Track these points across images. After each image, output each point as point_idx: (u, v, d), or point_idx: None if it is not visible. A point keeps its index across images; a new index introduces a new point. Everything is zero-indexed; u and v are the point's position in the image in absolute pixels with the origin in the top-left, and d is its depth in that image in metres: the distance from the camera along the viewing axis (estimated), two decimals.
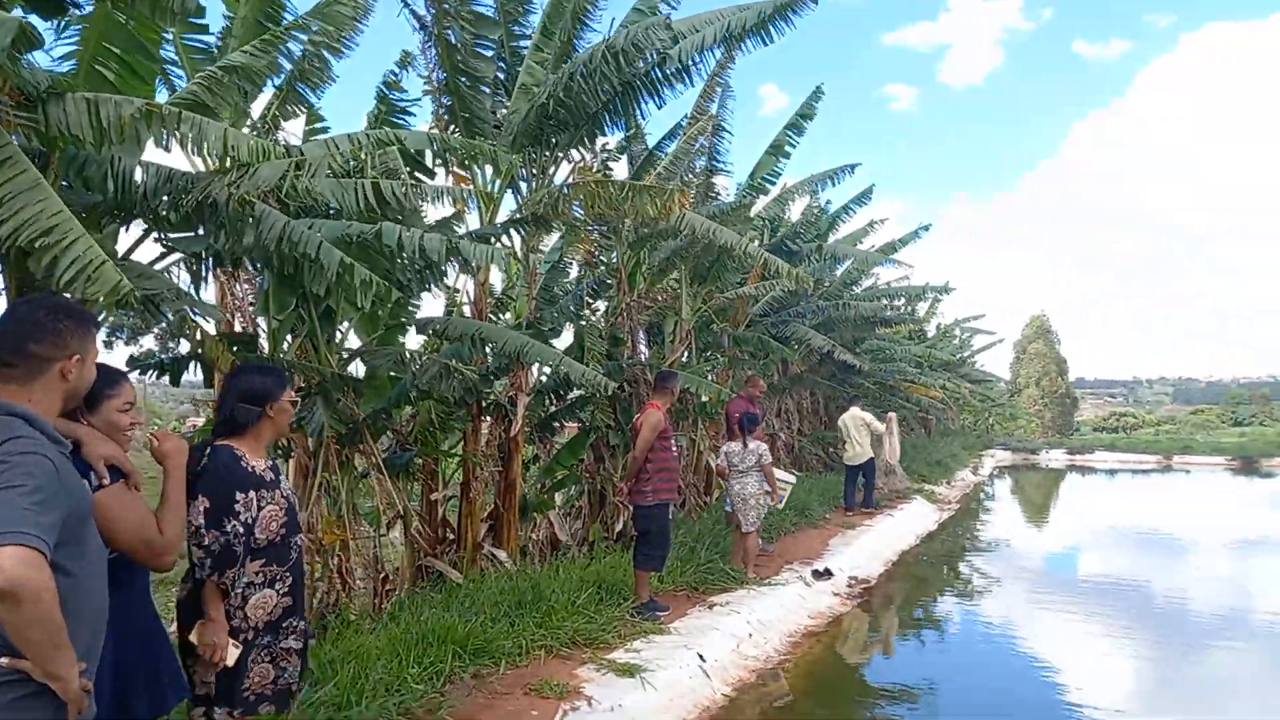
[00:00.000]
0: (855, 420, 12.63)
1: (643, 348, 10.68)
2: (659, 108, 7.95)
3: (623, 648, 5.69)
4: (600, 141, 8.87)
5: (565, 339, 9.60)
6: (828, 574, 8.74)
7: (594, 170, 8.62)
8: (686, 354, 10.74)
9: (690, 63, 7.38)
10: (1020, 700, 6.14)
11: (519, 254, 8.59)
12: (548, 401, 9.39)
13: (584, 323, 9.53)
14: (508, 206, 8.12)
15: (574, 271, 10.62)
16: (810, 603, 7.96)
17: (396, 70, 7.50)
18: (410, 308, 7.55)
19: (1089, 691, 6.13)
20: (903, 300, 19.52)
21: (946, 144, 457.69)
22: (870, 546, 10.68)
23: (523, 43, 8.04)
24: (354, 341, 7.49)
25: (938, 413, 27.04)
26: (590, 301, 9.97)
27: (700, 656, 5.81)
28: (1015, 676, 6.71)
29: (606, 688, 5.01)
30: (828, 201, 15.54)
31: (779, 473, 10.84)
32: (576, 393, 9.13)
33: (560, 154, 8.30)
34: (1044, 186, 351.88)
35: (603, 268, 10.06)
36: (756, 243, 12.74)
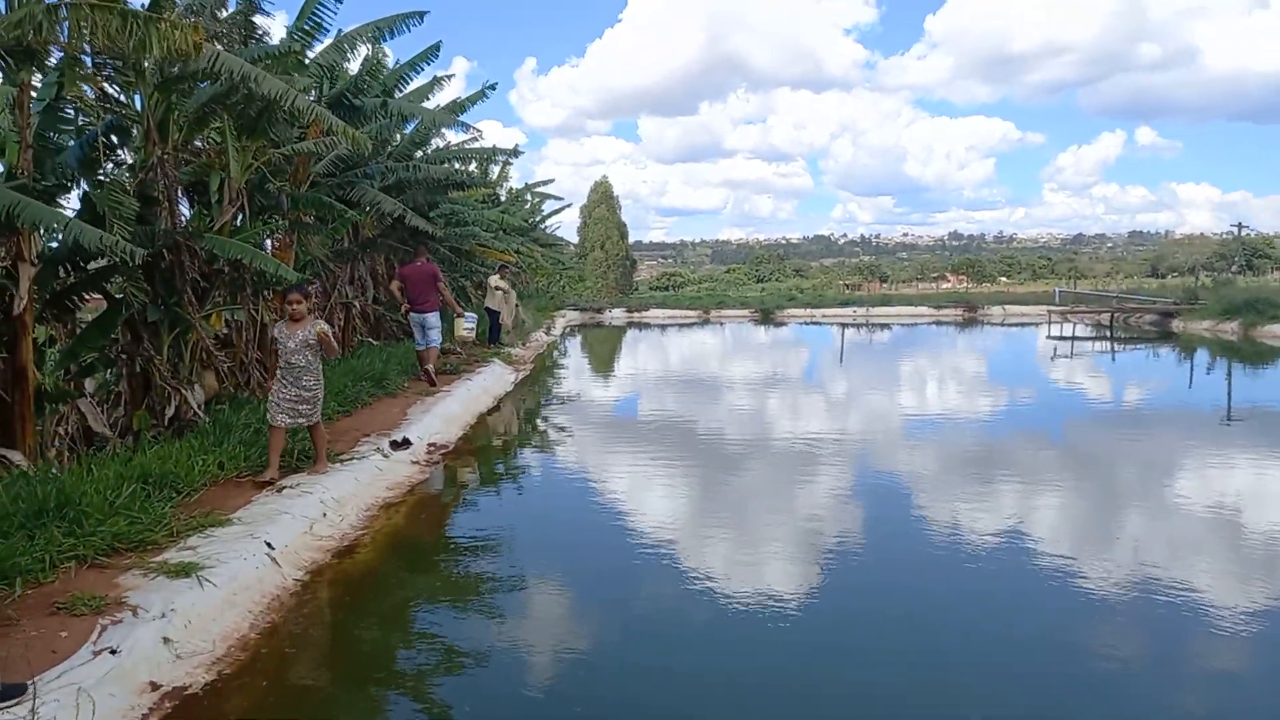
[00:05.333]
0: (497, 282, 17.63)
1: (184, 209, 9.27)
2: None
3: (175, 547, 5.09)
4: None
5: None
6: (406, 444, 8.63)
7: None
8: (240, 217, 9.56)
9: None
10: (587, 534, 6.70)
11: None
12: (63, 272, 7.85)
13: (103, 178, 7.95)
14: None
15: (81, 118, 8.71)
16: (389, 474, 7.80)
17: None
18: None
19: (647, 517, 6.99)
20: (474, 164, 19.33)
21: (514, 4, 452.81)
22: (449, 412, 10.75)
23: None
24: None
25: (512, 277, 27.76)
26: (109, 153, 8.30)
27: (268, 544, 5.40)
28: (585, 512, 7.33)
29: (155, 593, 4.44)
30: (396, 59, 14.59)
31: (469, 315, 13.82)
32: (101, 262, 7.74)
33: None
34: (608, 58, 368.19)
35: (119, 114, 8.38)
36: (314, 94, 11.62)
